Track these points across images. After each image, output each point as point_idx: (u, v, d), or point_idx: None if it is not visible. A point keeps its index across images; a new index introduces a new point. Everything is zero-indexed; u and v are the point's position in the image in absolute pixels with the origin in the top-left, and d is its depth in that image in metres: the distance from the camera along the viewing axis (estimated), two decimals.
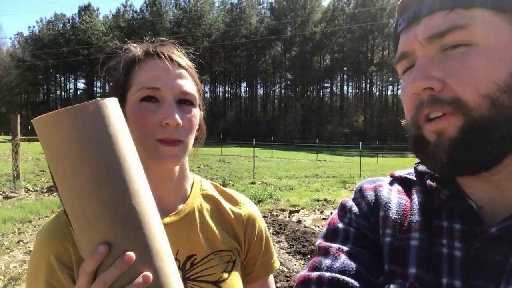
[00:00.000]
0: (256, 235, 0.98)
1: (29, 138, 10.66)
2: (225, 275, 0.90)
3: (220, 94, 73.58)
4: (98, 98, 0.64)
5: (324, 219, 6.90)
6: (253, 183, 11.08)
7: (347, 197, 0.72)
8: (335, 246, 0.62)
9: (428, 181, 0.63)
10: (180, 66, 0.86)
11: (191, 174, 0.97)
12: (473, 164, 0.51)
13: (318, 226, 6.28)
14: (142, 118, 0.80)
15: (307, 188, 10.32)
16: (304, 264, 4.56)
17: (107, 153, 0.61)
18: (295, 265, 4.52)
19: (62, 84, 77.75)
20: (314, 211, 7.57)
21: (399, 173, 0.71)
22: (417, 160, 0.65)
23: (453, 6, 0.50)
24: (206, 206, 0.94)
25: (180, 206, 0.90)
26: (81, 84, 76.69)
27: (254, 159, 13.98)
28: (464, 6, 0.50)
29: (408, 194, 0.66)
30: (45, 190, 8.80)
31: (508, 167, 0.52)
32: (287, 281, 3.97)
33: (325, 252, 0.62)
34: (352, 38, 59.98)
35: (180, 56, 0.88)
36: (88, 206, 0.59)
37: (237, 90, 72.55)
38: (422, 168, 0.66)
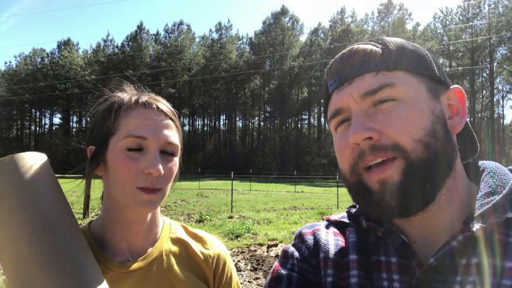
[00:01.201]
0: (225, 277, 0.99)
1: None
2: None
3: (199, 127, 73.69)
4: (19, 153, 0.70)
5: None
6: (231, 217, 10.94)
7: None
8: None
9: (364, 222, 0.66)
10: (166, 115, 0.87)
11: (161, 217, 0.98)
12: (417, 203, 0.56)
13: None
14: (124, 165, 0.80)
15: (285, 221, 10.26)
16: None
17: (22, 202, 0.64)
18: None
19: (37, 119, 76.18)
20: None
21: (334, 217, 0.77)
22: None
23: (379, 69, 0.59)
24: (174, 249, 0.94)
25: (149, 250, 0.90)
26: (56, 119, 75.28)
27: (232, 193, 13.88)
28: (387, 69, 0.59)
29: (344, 235, 0.71)
30: None
31: (435, 204, 0.57)
32: None
33: None
34: None
35: (166, 106, 0.90)
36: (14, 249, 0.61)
37: (216, 123, 72.84)
38: (354, 210, 0.72)
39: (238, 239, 7.93)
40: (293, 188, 25.58)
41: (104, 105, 0.90)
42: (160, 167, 0.81)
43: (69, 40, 70.59)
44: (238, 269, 5.78)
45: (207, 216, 10.72)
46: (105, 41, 72.14)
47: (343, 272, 0.63)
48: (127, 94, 0.90)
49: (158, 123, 0.84)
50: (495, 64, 52.60)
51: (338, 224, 0.74)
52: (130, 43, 68.27)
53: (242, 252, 6.82)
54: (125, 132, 0.82)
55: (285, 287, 0.65)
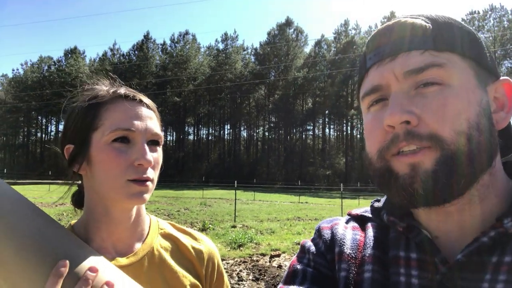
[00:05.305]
0: (216, 272, 0.99)
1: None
2: None
3: (204, 136, 73.89)
4: None
5: None
6: (234, 226, 10.90)
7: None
8: None
9: (385, 216, 0.64)
10: (148, 107, 0.88)
11: (147, 215, 0.97)
12: (446, 195, 0.53)
13: None
14: (113, 159, 0.80)
15: (289, 231, 10.18)
16: None
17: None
18: None
19: (44, 126, 76.87)
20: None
21: (356, 211, 0.74)
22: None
23: (427, 47, 0.54)
24: (165, 245, 0.93)
25: (138, 247, 0.89)
26: (62, 127, 75.80)
27: (235, 202, 13.83)
28: (436, 49, 0.54)
29: (363, 229, 0.69)
30: None
31: (463, 199, 0.54)
32: None
33: None
34: (332, 83, 61.99)
35: (145, 97, 0.90)
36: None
37: (221, 132, 72.98)
38: (378, 204, 0.69)
39: (241, 248, 7.88)
40: (297, 199, 25.49)
41: (81, 101, 0.87)
42: (150, 158, 0.81)
43: (75, 48, 71.36)
44: (240, 279, 5.72)
45: (210, 225, 10.66)
46: (111, 50, 73.02)
47: (357, 267, 0.62)
48: (103, 87, 0.89)
49: (142, 115, 0.85)
50: None
51: (359, 219, 0.72)
52: (136, 52, 68.96)
53: (244, 262, 6.77)
54: (111, 126, 0.81)
55: (299, 282, 0.64)
